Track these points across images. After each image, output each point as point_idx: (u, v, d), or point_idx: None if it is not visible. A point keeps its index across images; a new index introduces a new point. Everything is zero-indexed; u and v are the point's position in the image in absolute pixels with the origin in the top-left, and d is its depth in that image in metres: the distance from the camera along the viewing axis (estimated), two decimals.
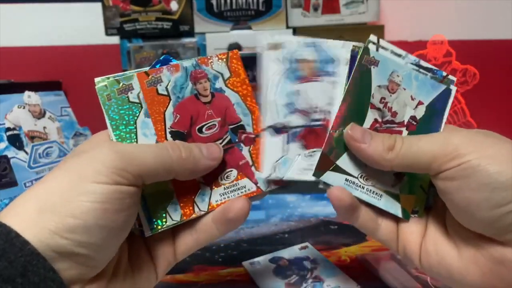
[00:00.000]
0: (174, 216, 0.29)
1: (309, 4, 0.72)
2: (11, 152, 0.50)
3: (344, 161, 0.30)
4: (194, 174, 0.28)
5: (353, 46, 0.31)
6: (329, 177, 0.30)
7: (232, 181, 0.31)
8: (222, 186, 0.30)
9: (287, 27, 0.73)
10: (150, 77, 0.29)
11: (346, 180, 0.30)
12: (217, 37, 0.73)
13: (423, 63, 0.31)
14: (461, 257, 0.27)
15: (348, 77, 0.30)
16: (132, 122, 0.29)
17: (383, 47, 0.31)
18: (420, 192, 0.31)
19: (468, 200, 0.25)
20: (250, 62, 0.64)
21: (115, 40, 0.75)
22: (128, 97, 0.29)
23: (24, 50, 0.80)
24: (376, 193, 0.30)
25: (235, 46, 0.72)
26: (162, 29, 0.73)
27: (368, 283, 0.39)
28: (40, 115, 0.54)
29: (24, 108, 0.52)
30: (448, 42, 0.66)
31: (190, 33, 0.73)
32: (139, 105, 0.29)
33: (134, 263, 0.28)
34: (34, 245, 0.21)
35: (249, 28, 0.73)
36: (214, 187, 0.30)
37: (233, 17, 0.73)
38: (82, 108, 0.61)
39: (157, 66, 0.30)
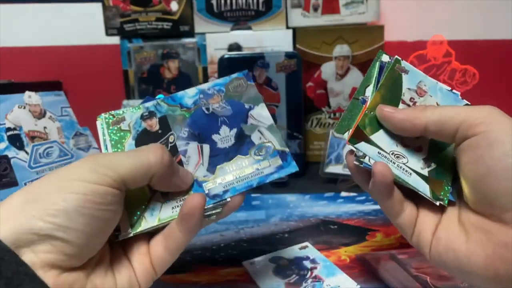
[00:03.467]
0: (150, 220, 0.30)
1: (309, 4, 0.72)
2: (12, 152, 0.50)
3: (377, 138, 0.32)
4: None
5: (379, 60, 0.35)
6: (363, 146, 0.32)
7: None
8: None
9: (287, 27, 0.73)
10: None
11: (379, 153, 0.31)
12: (217, 37, 0.73)
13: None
14: (469, 240, 0.28)
15: (378, 78, 0.34)
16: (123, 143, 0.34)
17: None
18: (446, 182, 0.32)
19: (488, 169, 0.27)
20: (250, 63, 0.64)
21: (115, 40, 0.75)
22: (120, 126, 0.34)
23: (24, 50, 0.80)
24: (407, 171, 0.32)
25: (235, 46, 0.72)
26: (162, 29, 0.73)
27: (368, 283, 0.39)
28: (41, 115, 0.54)
29: (24, 108, 0.52)
30: (448, 42, 0.66)
31: (190, 33, 0.74)
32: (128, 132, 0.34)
33: (115, 265, 0.29)
34: (14, 233, 0.23)
35: (249, 28, 0.73)
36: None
37: (233, 17, 0.73)
38: (82, 108, 0.62)
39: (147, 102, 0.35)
